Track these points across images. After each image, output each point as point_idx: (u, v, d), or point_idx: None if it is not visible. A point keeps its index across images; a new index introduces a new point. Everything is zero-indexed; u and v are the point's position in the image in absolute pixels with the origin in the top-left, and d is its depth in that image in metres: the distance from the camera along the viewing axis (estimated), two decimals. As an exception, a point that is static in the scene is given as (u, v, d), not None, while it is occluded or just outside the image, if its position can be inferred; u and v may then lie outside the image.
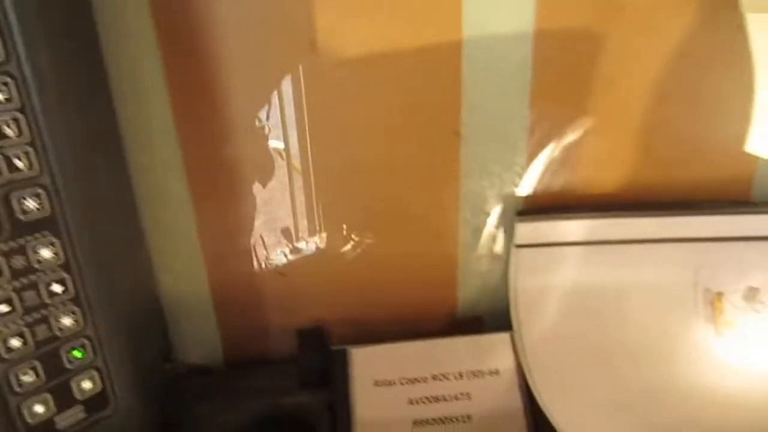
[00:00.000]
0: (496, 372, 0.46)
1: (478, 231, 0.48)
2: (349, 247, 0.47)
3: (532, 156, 0.46)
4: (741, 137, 0.47)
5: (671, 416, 0.43)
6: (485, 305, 0.51)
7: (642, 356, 0.46)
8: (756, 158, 0.47)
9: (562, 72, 0.44)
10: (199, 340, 0.48)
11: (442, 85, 0.43)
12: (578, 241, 0.46)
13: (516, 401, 0.44)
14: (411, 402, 0.45)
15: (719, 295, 0.46)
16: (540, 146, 0.46)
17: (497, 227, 0.48)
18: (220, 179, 0.44)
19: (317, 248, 0.47)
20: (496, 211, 0.47)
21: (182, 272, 0.46)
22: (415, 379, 0.45)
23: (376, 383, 0.45)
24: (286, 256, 0.47)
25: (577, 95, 0.45)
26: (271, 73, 0.42)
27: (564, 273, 0.47)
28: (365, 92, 0.43)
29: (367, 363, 0.46)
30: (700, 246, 0.46)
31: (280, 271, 0.47)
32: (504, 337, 0.47)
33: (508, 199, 0.47)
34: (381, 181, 0.46)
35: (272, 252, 0.47)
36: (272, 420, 0.45)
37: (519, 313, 0.47)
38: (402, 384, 0.45)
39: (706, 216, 0.46)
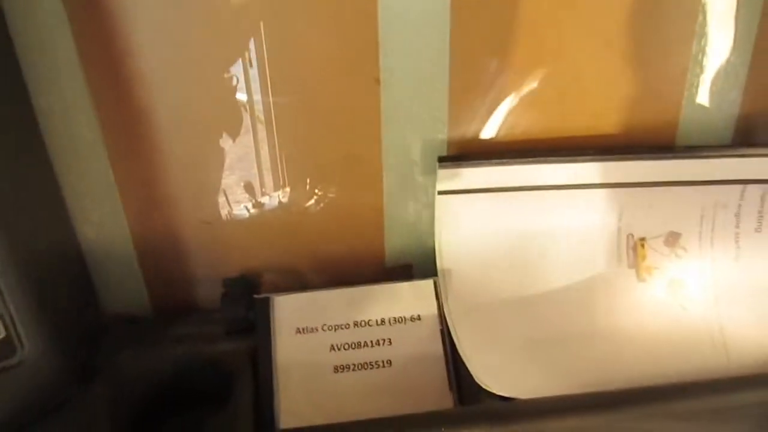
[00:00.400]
0: (418, 318, 0.46)
1: (402, 179, 0.48)
2: (312, 202, 0.47)
3: (454, 102, 0.45)
4: (668, 82, 0.47)
5: (591, 360, 0.44)
6: (414, 253, 0.51)
7: (564, 302, 0.46)
8: (681, 104, 0.47)
9: (483, 16, 0.43)
10: (125, 289, 0.48)
11: (360, 30, 0.43)
12: (502, 187, 0.46)
13: (436, 347, 0.45)
14: (332, 348, 0.45)
15: (642, 240, 0.47)
16: (462, 92, 0.45)
17: (422, 175, 0.48)
18: (134, 127, 0.43)
19: (280, 202, 0.47)
20: (419, 159, 0.47)
21: (102, 222, 0.46)
22: (337, 326, 0.45)
23: (298, 330, 0.45)
24: (248, 210, 0.47)
25: (500, 39, 0.44)
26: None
27: (487, 219, 0.47)
28: (288, 38, 0.43)
29: (289, 310, 0.46)
30: (624, 191, 0.47)
31: (205, 220, 0.47)
32: (428, 283, 0.47)
33: (432, 146, 0.46)
34: (310, 129, 0.46)
35: (235, 207, 0.47)
36: (195, 368, 0.45)
37: (443, 260, 0.47)
38: (324, 331, 0.45)
39: (629, 161, 0.46)
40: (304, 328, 0.45)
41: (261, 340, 0.45)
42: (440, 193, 0.46)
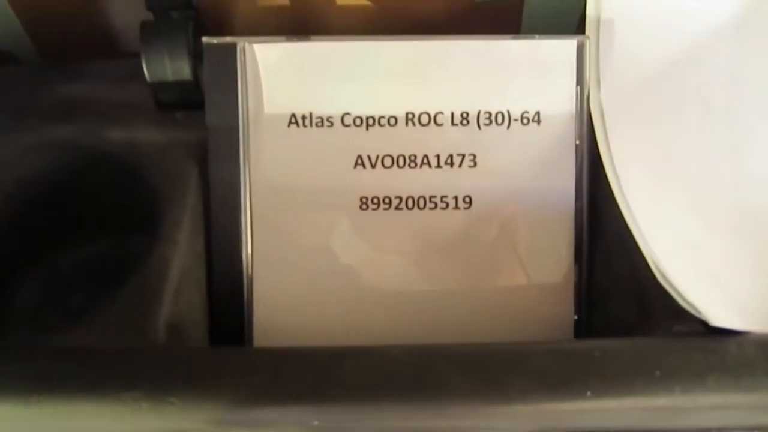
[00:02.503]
0: (536, 118, 0.24)
1: None
2: None
3: None
4: None
5: None
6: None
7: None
8: None
9: None
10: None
11: None
12: None
13: (565, 178, 0.23)
14: (360, 161, 0.24)
15: None
16: None
17: None
18: None
19: None
20: None
21: None
22: (374, 119, 0.23)
23: (294, 119, 0.23)
24: None
25: None
26: None
27: None
28: None
29: (279, 76, 0.23)
30: None
31: None
32: (565, 46, 0.23)
33: None
34: None
35: None
36: (90, 166, 0.25)
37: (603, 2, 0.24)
38: (345, 126, 0.23)
39: None
40: (306, 117, 0.23)
41: (218, 132, 0.23)
42: None
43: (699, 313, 0.19)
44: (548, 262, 0.24)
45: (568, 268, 0.24)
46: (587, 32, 0.24)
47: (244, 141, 0.23)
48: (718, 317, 0.18)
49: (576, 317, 0.24)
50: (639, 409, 0.18)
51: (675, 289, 0.19)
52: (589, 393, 0.18)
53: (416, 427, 0.18)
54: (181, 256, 0.22)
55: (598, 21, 0.23)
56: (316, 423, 0.18)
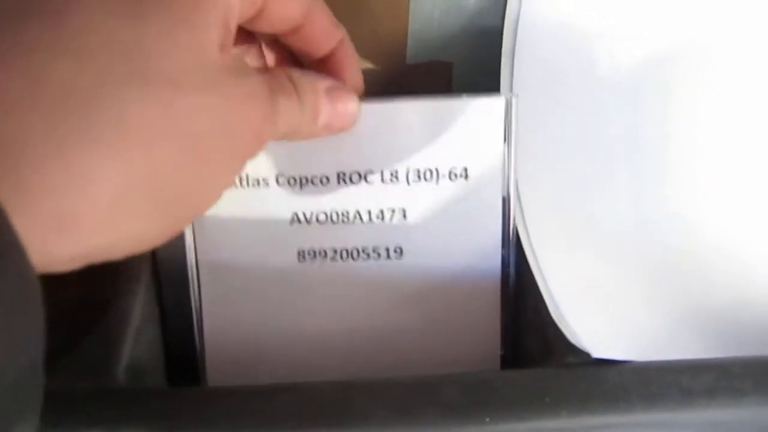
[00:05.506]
0: (464, 174, 0.27)
1: None
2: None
3: None
4: None
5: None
6: (463, 44, 0.31)
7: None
8: None
9: None
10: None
11: None
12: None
13: (492, 229, 0.27)
14: (296, 218, 0.27)
15: None
16: None
17: None
18: None
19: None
20: None
21: None
22: (307, 178, 0.27)
23: (241, 182, 0.28)
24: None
25: None
26: None
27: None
28: None
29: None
30: None
31: None
32: (492, 104, 0.26)
33: None
34: None
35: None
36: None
37: (522, 69, 0.28)
38: (280, 185, 0.27)
39: None
40: (243, 178, 0.27)
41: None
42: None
43: (583, 346, 0.23)
44: (476, 305, 0.28)
45: (494, 309, 0.28)
46: (513, 90, 0.28)
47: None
48: (600, 349, 0.22)
49: (502, 353, 0.28)
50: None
51: (565, 326, 0.23)
52: (487, 419, 0.22)
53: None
54: (139, 308, 0.27)
55: (510, 85, 0.28)
56: (253, 450, 0.22)
